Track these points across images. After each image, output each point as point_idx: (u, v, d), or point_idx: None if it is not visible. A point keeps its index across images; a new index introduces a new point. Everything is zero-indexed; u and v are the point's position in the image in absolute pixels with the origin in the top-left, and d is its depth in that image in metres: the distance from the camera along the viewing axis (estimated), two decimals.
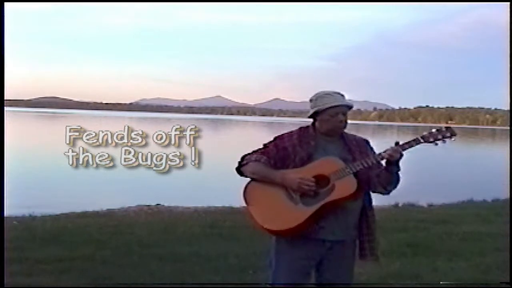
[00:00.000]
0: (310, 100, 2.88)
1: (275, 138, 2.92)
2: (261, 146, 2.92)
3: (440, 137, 2.74)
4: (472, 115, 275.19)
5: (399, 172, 2.75)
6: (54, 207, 8.92)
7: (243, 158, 2.90)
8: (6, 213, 5.50)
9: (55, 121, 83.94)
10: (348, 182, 2.70)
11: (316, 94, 2.86)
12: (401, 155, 2.68)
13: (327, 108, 2.78)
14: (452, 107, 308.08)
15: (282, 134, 2.93)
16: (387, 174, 2.73)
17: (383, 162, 2.75)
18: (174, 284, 4.59)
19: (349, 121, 2.90)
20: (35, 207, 8.39)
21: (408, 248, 5.91)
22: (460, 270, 5.04)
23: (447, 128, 2.76)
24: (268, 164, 2.82)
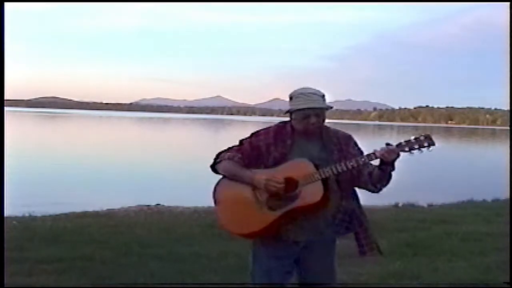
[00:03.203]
0: (289, 98, 2.79)
1: (252, 135, 2.86)
2: (237, 143, 2.88)
3: (416, 146, 2.64)
4: (472, 115, 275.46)
5: (392, 172, 2.68)
6: (54, 207, 8.92)
7: (218, 155, 2.86)
8: (6, 213, 5.51)
9: (55, 121, 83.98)
10: (314, 189, 2.63)
11: (294, 91, 2.77)
12: (398, 155, 2.61)
13: (298, 110, 2.71)
14: (452, 107, 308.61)
15: (259, 131, 2.87)
16: (380, 172, 2.65)
17: (377, 161, 2.67)
18: (174, 284, 4.59)
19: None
20: (35, 207, 8.39)
21: (408, 248, 5.91)
22: (460, 270, 5.04)
23: (425, 136, 2.65)
24: (241, 162, 2.77)
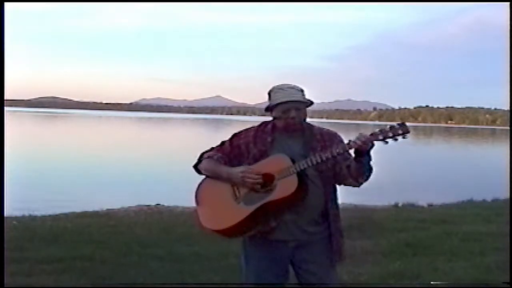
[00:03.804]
0: (268, 94, 2.78)
1: (233, 135, 2.87)
2: (219, 143, 2.88)
3: (390, 135, 2.56)
4: (472, 115, 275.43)
5: (371, 163, 2.63)
6: (54, 207, 8.92)
7: (201, 155, 2.86)
8: (6, 213, 5.51)
9: (55, 121, 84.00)
10: (289, 182, 2.59)
11: (272, 88, 2.76)
12: (372, 145, 2.55)
13: (277, 104, 2.69)
14: (452, 107, 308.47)
15: (240, 131, 2.87)
16: (357, 165, 2.60)
17: (352, 152, 2.61)
18: (174, 284, 4.59)
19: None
20: (35, 207, 8.39)
21: (408, 248, 5.91)
22: (460, 270, 5.04)
23: (400, 125, 2.58)
24: (221, 161, 2.78)
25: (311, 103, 2.77)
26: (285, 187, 2.59)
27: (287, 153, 2.68)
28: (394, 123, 2.60)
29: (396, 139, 2.56)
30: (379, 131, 2.57)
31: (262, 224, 2.68)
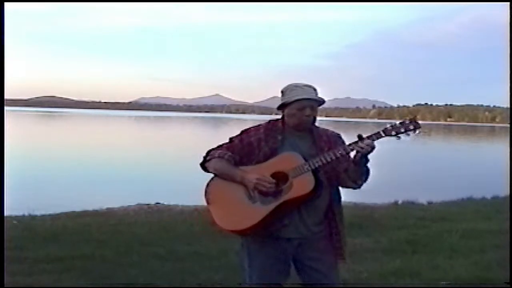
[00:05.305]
0: (281, 92, 2.78)
1: (242, 132, 2.85)
2: (227, 140, 2.86)
3: (402, 130, 2.60)
4: (472, 112, 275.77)
5: (368, 165, 2.65)
6: (54, 206, 8.91)
7: (208, 153, 2.84)
8: (6, 213, 5.51)
9: (54, 120, 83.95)
10: (305, 180, 2.61)
11: (287, 86, 2.76)
12: (373, 148, 2.58)
13: (294, 101, 2.69)
14: (451, 104, 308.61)
15: (249, 128, 2.86)
16: (356, 167, 2.63)
17: (352, 155, 2.65)
18: (175, 283, 4.59)
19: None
20: (35, 207, 8.37)
21: (408, 246, 5.91)
22: (460, 267, 5.04)
23: (411, 120, 2.62)
24: (232, 160, 2.76)
25: (324, 101, 2.79)
26: (303, 184, 2.61)
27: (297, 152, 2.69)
28: (405, 119, 2.64)
29: (408, 134, 2.60)
30: (390, 126, 2.61)
31: (276, 222, 2.69)
